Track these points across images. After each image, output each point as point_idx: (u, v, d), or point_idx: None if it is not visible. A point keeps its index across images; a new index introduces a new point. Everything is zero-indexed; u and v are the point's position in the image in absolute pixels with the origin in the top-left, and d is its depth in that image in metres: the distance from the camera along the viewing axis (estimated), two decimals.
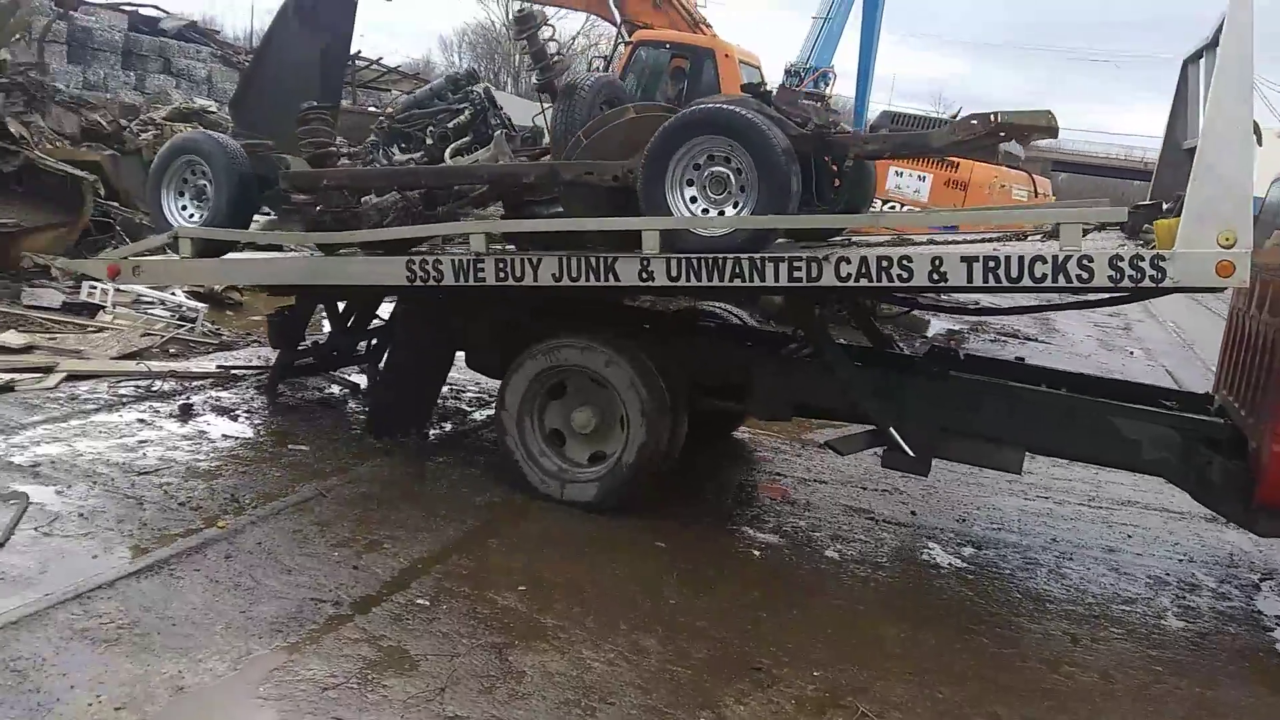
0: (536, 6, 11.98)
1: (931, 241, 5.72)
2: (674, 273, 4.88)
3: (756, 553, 5.39)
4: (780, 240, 5.49)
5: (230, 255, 6.48)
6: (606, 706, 3.73)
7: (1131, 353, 14.96)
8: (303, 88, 8.14)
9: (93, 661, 3.61)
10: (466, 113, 6.31)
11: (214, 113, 20.68)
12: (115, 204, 11.36)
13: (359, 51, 26.55)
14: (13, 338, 7.50)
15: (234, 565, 4.49)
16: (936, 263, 4.49)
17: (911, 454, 5.25)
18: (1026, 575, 5.49)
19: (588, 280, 5.07)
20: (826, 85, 19.75)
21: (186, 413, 6.53)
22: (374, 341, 7.80)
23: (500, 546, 5.09)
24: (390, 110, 6.63)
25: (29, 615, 3.84)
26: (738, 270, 4.78)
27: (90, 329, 8.28)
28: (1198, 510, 6.41)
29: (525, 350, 5.68)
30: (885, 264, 4.56)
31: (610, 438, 5.62)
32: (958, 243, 5.51)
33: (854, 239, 5.96)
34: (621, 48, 14.01)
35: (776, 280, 4.76)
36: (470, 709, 3.60)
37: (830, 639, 4.47)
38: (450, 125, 6.26)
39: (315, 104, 6.40)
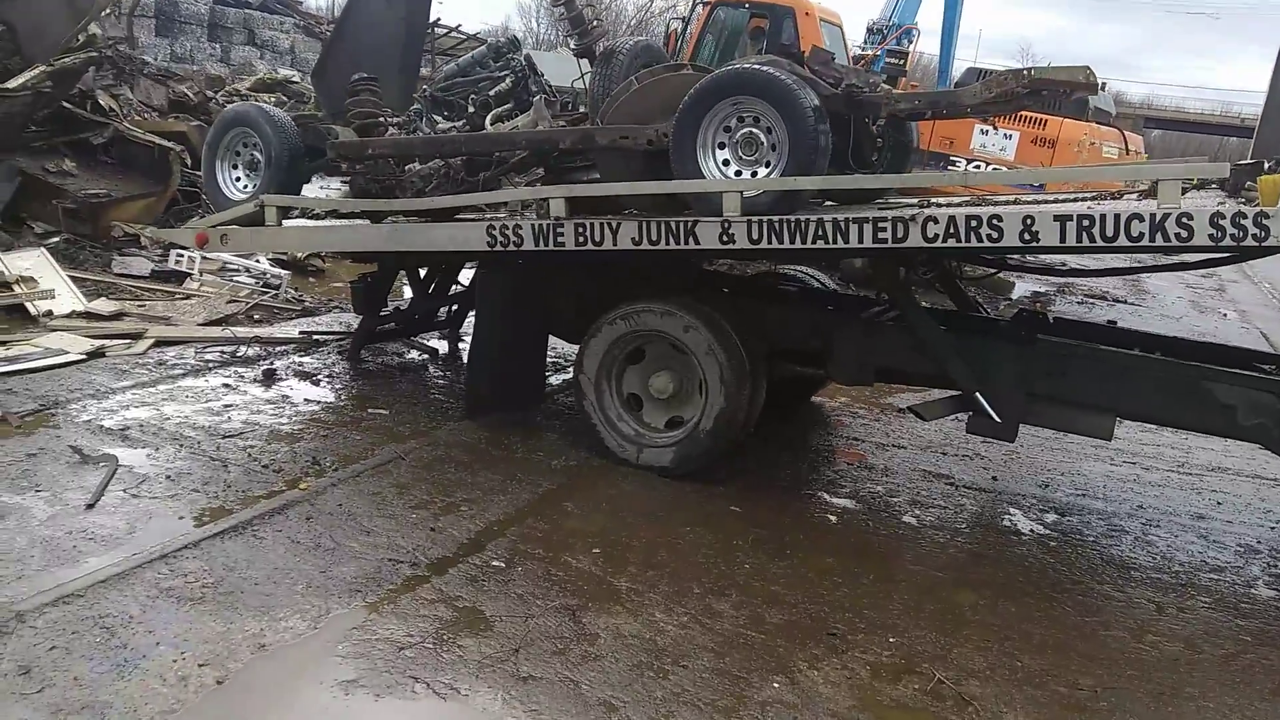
0: None
1: (1018, 201, 5.58)
2: (755, 235, 4.82)
3: (833, 518, 5.34)
4: (827, 201, 5.44)
5: (305, 222, 6.64)
6: (679, 669, 3.73)
7: (1225, 315, 14.50)
8: (383, 56, 8.22)
9: (178, 619, 3.71)
10: (508, 80, 6.40)
11: (297, 83, 20.99)
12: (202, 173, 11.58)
13: (438, 19, 26.74)
14: (103, 305, 7.71)
15: (314, 526, 4.58)
16: (1028, 222, 4.37)
17: (998, 419, 5.15)
18: (1111, 542, 5.36)
19: (668, 244, 5.03)
20: (910, 42, 19.34)
21: (270, 378, 6.66)
22: (454, 307, 7.89)
23: (575, 510, 5.11)
24: (432, 79, 6.69)
25: (117, 574, 3.96)
26: (820, 232, 4.71)
27: (178, 296, 8.49)
28: None
29: (604, 315, 5.68)
30: (974, 224, 4.45)
31: (688, 403, 5.61)
32: (1048, 201, 5.36)
33: (933, 200, 5.83)
34: (699, 9, 13.83)
35: (860, 242, 4.67)
36: (544, 670, 3.63)
37: (907, 605, 4.42)
38: (492, 93, 6.36)
39: (364, 75, 6.51)
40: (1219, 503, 6.09)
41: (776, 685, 3.70)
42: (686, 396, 5.63)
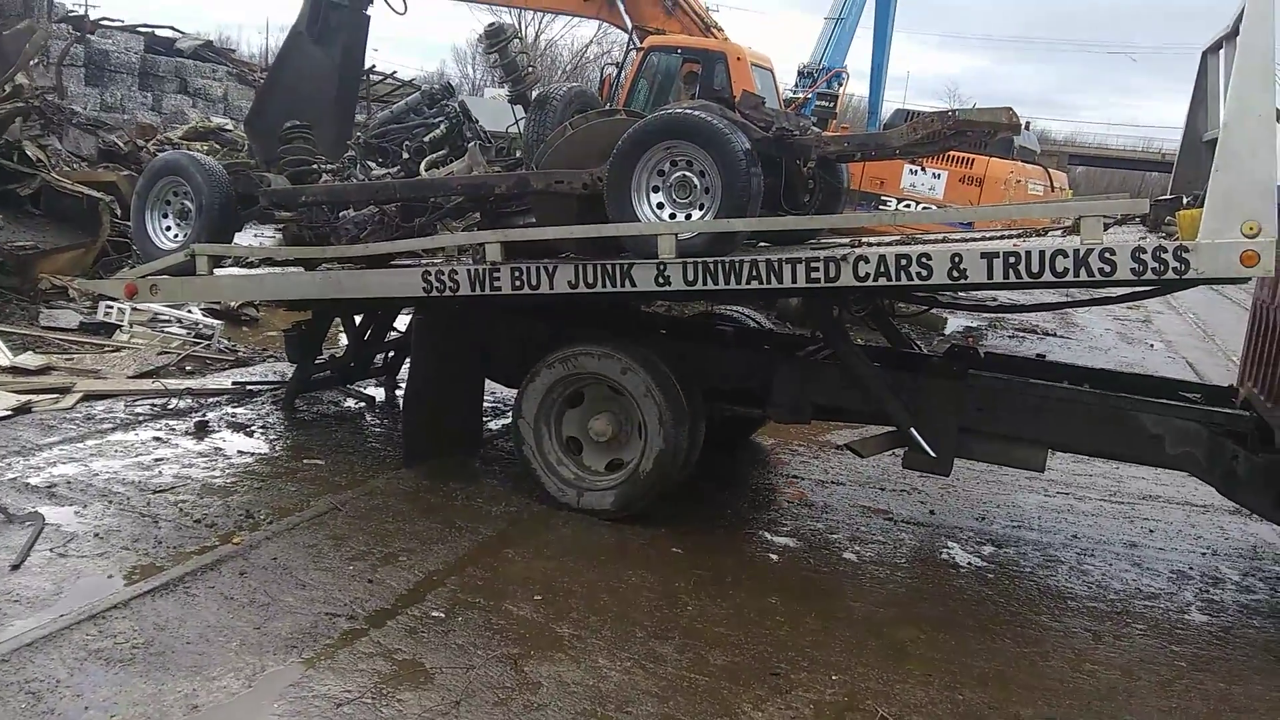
0: (507, 19, 12.08)
1: (947, 239, 5.69)
2: (690, 277, 4.89)
3: (774, 556, 5.36)
4: (762, 243, 5.54)
5: (238, 271, 6.58)
6: (623, 716, 3.71)
7: (1152, 346, 14.84)
8: (318, 103, 8.16)
9: (107, 682, 3.61)
10: (442, 126, 6.38)
11: (230, 130, 20.85)
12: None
13: (373, 65, 26.72)
14: (30, 359, 7.54)
15: (249, 581, 4.49)
16: (956, 260, 4.48)
17: (933, 454, 5.22)
18: (1048, 573, 5.43)
19: (604, 287, 5.07)
20: (840, 85, 19.67)
21: (202, 429, 6.55)
22: (390, 354, 7.83)
23: (516, 556, 5.07)
24: (367, 126, 6.70)
25: (44, 637, 3.85)
26: (754, 273, 4.80)
27: (107, 348, 8.33)
28: (1221, 503, 6.32)
29: (542, 359, 5.66)
30: (904, 262, 4.54)
31: (628, 446, 5.61)
32: (976, 239, 5.48)
33: (864, 240, 5.93)
34: (633, 54, 13.97)
35: (794, 282, 4.76)
36: None
37: (849, 642, 4.44)
38: (426, 139, 6.33)
39: (296, 123, 6.50)
40: (1151, 530, 6.21)
41: None
42: (626, 439, 5.62)
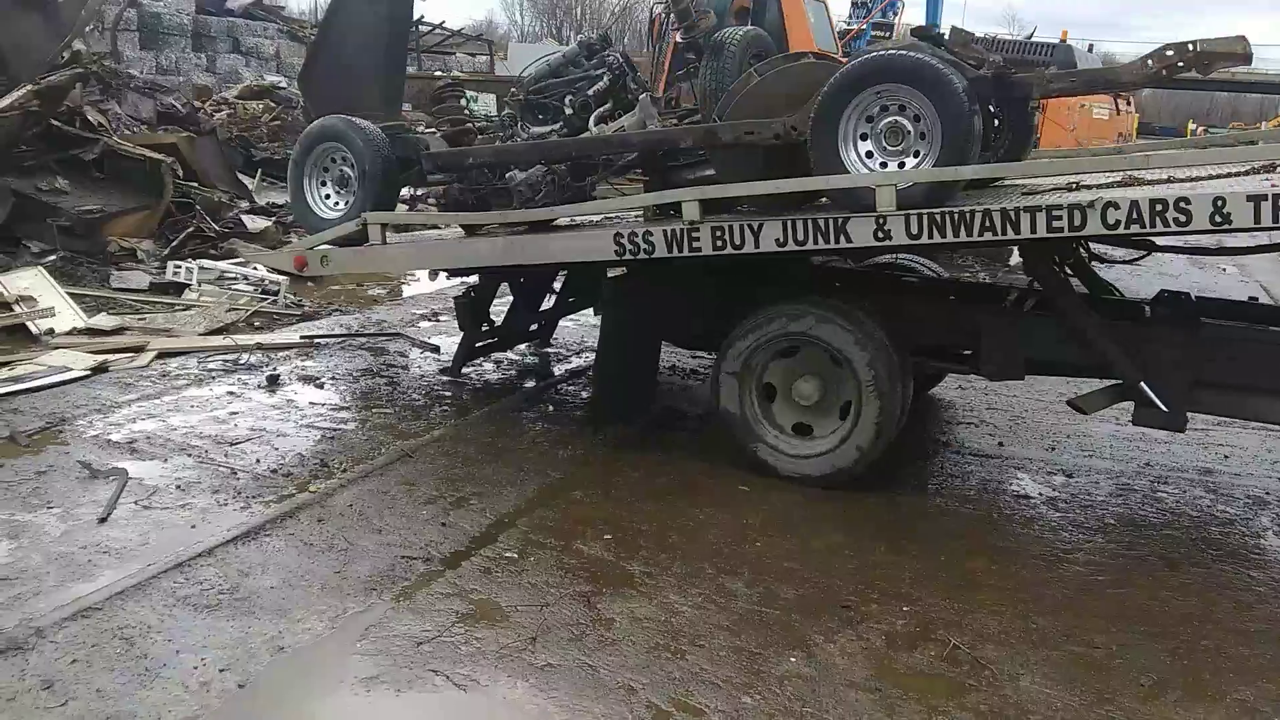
0: None
1: (1172, 180, 5.16)
2: (914, 230, 4.55)
3: (841, 492, 5.35)
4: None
5: (411, 238, 6.45)
6: (695, 649, 3.76)
7: (1224, 270, 14.48)
8: (368, 57, 8.16)
9: (196, 626, 3.74)
10: (605, 79, 6.03)
11: (284, 88, 20.99)
12: (195, 184, 11.62)
13: (421, 16, 26.73)
14: (104, 320, 7.73)
15: (326, 528, 4.60)
16: (1219, 204, 4.07)
17: (1165, 409, 4.95)
18: (1119, 501, 5.37)
19: (816, 243, 4.76)
20: (895, 14, 19.30)
21: (274, 383, 6.69)
22: (540, 322, 7.71)
23: (585, 498, 5.13)
24: (523, 81, 6.33)
25: (133, 586, 3.99)
26: (988, 224, 4.44)
27: (177, 307, 8.52)
28: None
29: (748, 318, 5.36)
30: (1160, 208, 4.16)
31: (829, 410, 5.35)
32: (1202, 180, 4.97)
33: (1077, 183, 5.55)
34: None
35: (1033, 231, 4.38)
36: (561, 657, 3.66)
37: (919, 574, 4.43)
38: (590, 92, 5.99)
39: (448, 81, 6.35)
40: (1226, 456, 6.10)
41: (793, 660, 3.72)
42: (829, 403, 5.35)
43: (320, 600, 3.98)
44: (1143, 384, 4.94)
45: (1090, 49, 15.60)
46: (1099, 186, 4.88)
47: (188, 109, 15.11)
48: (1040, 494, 5.44)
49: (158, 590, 3.98)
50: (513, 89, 6.50)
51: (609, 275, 5.56)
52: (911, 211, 4.54)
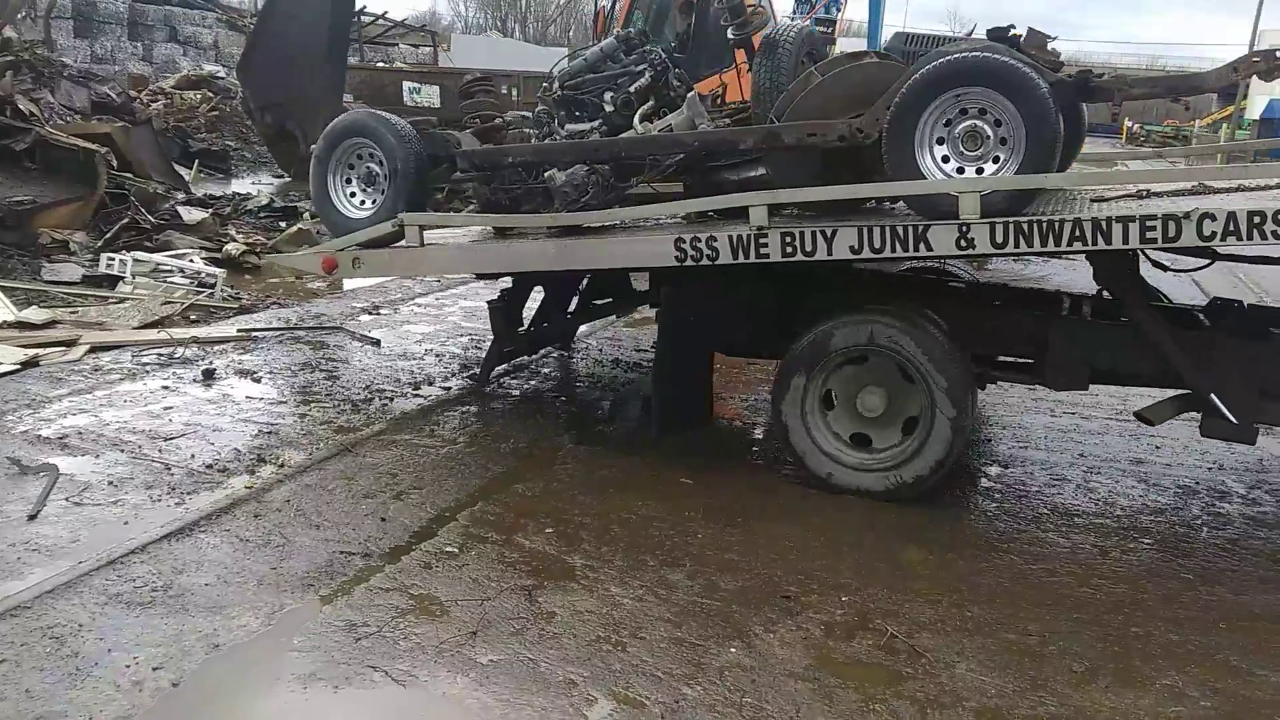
0: None
1: (1243, 188, 5.13)
2: (999, 239, 4.43)
3: (782, 485, 5.39)
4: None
5: (450, 239, 6.13)
6: (636, 641, 3.76)
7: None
8: (309, 47, 8.07)
9: (128, 624, 3.67)
10: (647, 75, 5.78)
11: (222, 78, 20.68)
12: (129, 175, 11.42)
13: (363, 6, 26.43)
14: (35, 314, 7.56)
15: (263, 524, 4.55)
16: None
17: (1235, 421, 4.87)
18: (1054, 491, 5.46)
19: (893, 251, 4.61)
20: (838, 10, 19.42)
21: (209, 377, 6.59)
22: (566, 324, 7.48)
23: (526, 491, 5.11)
24: (556, 76, 6.08)
25: (64, 584, 3.92)
26: (1078, 233, 4.33)
27: (111, 300, 8.35)
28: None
29: (813, 325, 5.17)
30: (1258, 220, 4.10)
31: (895, 425, 5.20)
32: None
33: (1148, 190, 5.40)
34: None
35: (1126, 242, 4.30)
36: (502, 651, 3.65)
37: (858, 565, 4.48)
38: (632, 89, 5.75)
39: (477, 76, 6.05)
40: (1157, 447, 6.23)
41: (733, 650, 3.74)
42: (893, 415, 5.20)
43: (256, 597, 3.92)
44: (1213, 396, 4.89)
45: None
46: (1169, 194, 4.86)
47: (123, 98, 14.84)
48: (976, 485, 5.52)
49: (89, 588, 3.90)
50: (544, 84, 6.22)
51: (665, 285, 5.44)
52: (998, 220, 4.43)
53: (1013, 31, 5.13)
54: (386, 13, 29.30)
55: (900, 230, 4.56)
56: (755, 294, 5.50)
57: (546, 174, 5.62)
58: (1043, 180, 4.52)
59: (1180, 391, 5.13)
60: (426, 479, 5.15)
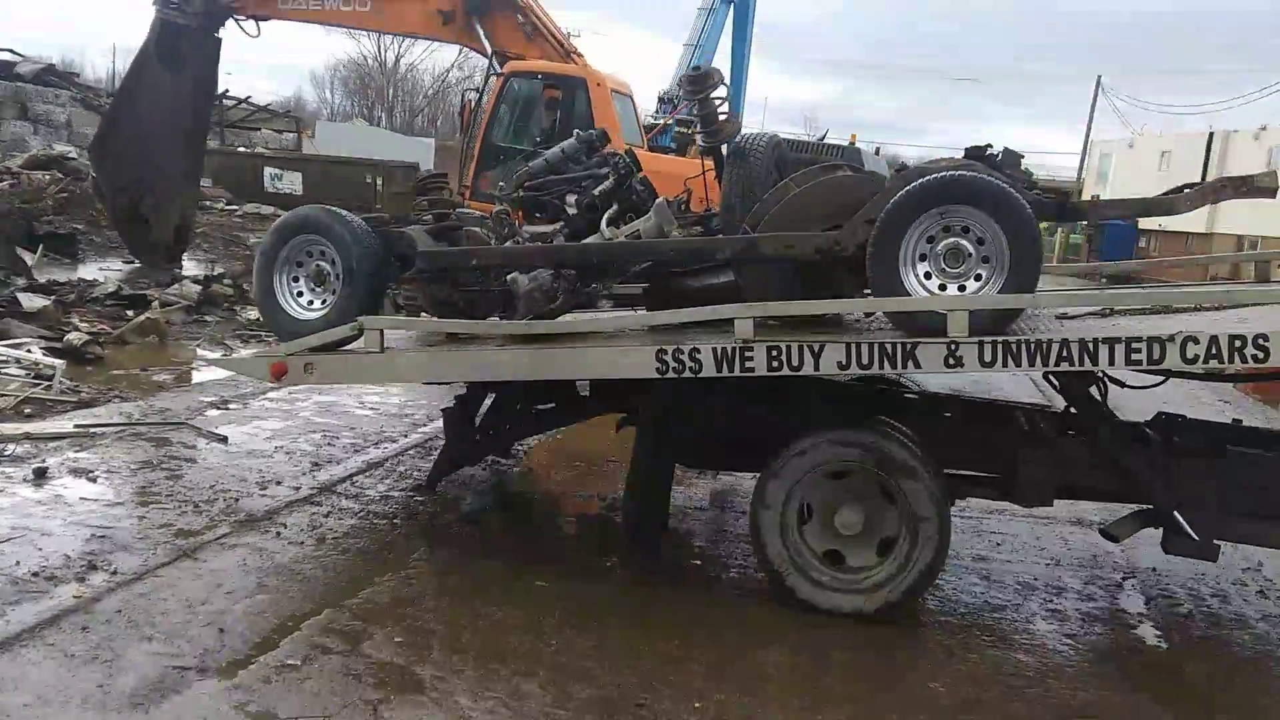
0: (712, 65, 10.54)
1: (1200, 308, 5.40)
2: (988, 357, 4.46)
3: (638, 587, 5.37)
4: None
5: (417, 347, 5.89)
6: None
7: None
8: (168, 129, 7.85)
9: None
10: (611, 178, 5.70)
11: (74, 158, 20.06)
12: None
13: (226, 90, 26.12)
14: None
15: (90, 637, 4.30)
16: None
17: (1195, 538, 4.94)
18: None
19: (880, 367, 4.62)
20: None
21: (41, 476, 6.25)
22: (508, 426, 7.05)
23: (376, 597, 4.97)
24: (517, 177, 5.97)
25: None
26: (1065, 354, 4.40)
27: None
28: (1063, 515, 6.65)
29: (794, 443, 5.06)
30: (1238, 344, 4.24)
31: (870, 544, 5.09)
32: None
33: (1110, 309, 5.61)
34: (493, 79, 13.92)
35: (1112, 363, 4.43)
36: None
37: (712, 669, 4.47)
38: (596, 192, 5.68)
39: (433, 172, 5.92)
40: (999, 544, 6.44)
41: None
42: (870, 533, 5.08)
43: (79, 717, 3.70)
44: (1176, 513, 4.97)
45: (878, 151, 16.55)
46: (1130, 313, 5.01)
47: None
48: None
49: None
50: (500, 184, 6.06)
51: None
52: (986, 340, 4.46)
53: (989, 150, 5.24)
54: (250, 97, 29.03)
55: (889, 347, 4.57)
56: (729, 406, 5.43)
57: (509, 276, 5.52)
58: (1031, 300, 4.63)
59: (1141, 507, 5.24)
60: (270, 585, 4.96)
